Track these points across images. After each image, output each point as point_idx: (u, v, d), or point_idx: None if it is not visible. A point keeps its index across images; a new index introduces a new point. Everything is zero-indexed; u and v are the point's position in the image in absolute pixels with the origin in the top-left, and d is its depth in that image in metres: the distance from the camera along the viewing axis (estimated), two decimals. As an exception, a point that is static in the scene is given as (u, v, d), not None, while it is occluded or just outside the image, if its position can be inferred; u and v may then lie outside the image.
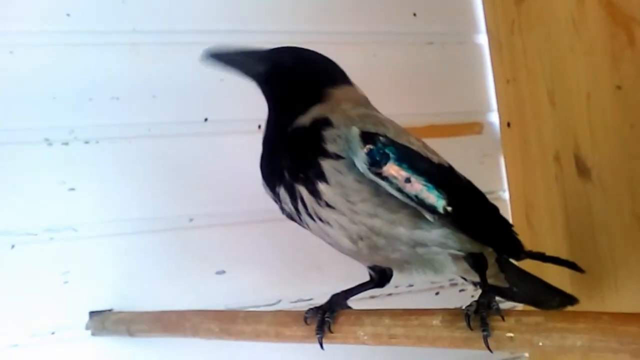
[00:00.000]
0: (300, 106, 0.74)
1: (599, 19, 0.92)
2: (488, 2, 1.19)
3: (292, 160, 0.70)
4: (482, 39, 1.22)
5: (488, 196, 1.17)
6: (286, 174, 0.70)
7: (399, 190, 0.66)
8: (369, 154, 0.66)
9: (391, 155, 0.67)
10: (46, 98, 0.97)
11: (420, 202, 0.67)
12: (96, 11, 1.01)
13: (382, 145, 0.67)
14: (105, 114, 1.00)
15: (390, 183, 0.66)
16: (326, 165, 0.67)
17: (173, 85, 1.03)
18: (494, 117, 1.20)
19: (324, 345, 0.70)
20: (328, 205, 0.68)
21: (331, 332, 0.70)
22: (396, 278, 1.06)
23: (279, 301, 1.04)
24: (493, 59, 1.18)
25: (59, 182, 0.96)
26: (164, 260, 1.00)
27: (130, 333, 0.90)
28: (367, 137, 0.67)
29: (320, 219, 0.69)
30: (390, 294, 1.09)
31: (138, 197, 1.00)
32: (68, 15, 0.99)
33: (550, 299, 0.89)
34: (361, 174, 0.67)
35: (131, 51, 1.02)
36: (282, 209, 0.76)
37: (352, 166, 0.67)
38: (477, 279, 0.77)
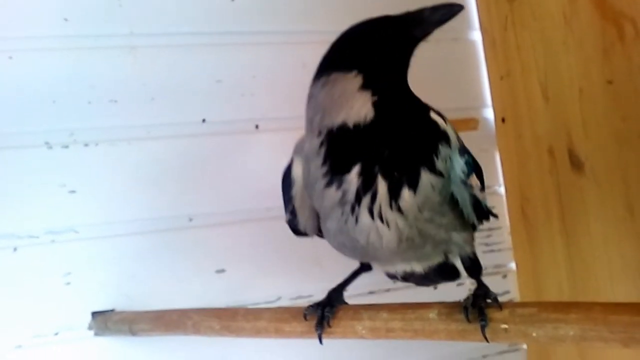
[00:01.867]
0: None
1: (589, 15, 0.93)
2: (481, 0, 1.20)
3: (397, 154, 0.66)
4: (476, 35, 1.23)
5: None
6: (379, 163, 0.66)
7: (474, 197, 0.70)
8: (465, 165, 0.69)
9: (472, 165, 0.70)
10: (46, 102, 0.98)
11: (482, 209, 0.71)
12: (93, 15, 1.02)
13: (469, 156, 0.70)
14: (104, 117, 1.01)
15: (471, 191, 0.69)
16: (425, 178, 0.66)
17: (171, 87, 1.04)
18: (489, 113, 1.22)
19: (324, 341, 0.72)
20: (399, 209, 0.66)
21: (330, 327, 0.71)
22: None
23: (279, 298, 1.06)
24: (487, 55, 1.19)
25: (60, 185, 0.98)
26: (164, 260, 1.01)
27: (133, 332, 0.91)
28: (463, 150, 0.69)
29: (380, 218, 0.67)
30: (388, 290, 1.10)
31: (138, 198, 1.01)
32: (66, 20, 1.00)
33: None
34: (445, 188, 0.68)
35: (129, 54, 1.03)
36: (326, 185, 0.68)
37: (445, 182, 0.67)
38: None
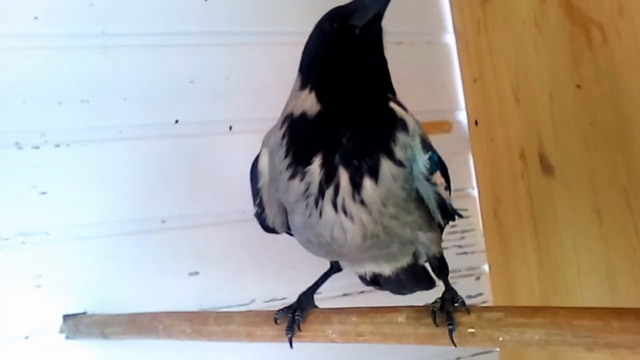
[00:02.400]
0: (389, 82, 0.71)
1: (559, 20, 0.94)
2: (454, 2, 1.20)
3: (356, 143, 0.66)
4: (450, 38, 1.23)
5: (457, 193, 1.20)
6: (339, 153, 0.66)
7: (438, 195, 0.69)
8: (429, 161, 0.68)
9: (438, 163, 0.69)
10: (16, 102, 0.97)
11: (447, 208, 0.71)
12: (64, 14, 1.00)
13: (433, 153, 0.69)
14: (76, 117, 1.00)
15: (436, 189, 0.69)
16: (385, 167, 0.66)
17: (143, 88, 1.04)
18: (462, 116, 1.22)
19: (294, 345, 0.72)
20: (362, 202, 0.66)
21: (300, 331, 0.71)
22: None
23: (253, 301, 1.05)
24: (460, 58, 1.20)
25: (31, 186, 0.96)
26: (137, 262, 1.00)
27: (104, 335, 0.90)
28: (426, 145, 0.69)
29: (344, 212, 0.66)
30: (362, 292, 1.10)
31: (110, 200, 1.00)
32: (36, 18, 0.99)
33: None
34: (408, 182, 0.67)
35: (101, 54, 1.02)
36: (290, 177, 0.68)
37: (407, 175, 0.67)
38: None
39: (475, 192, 1.22)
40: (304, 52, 0.76)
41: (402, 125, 0.68)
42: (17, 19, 0.98)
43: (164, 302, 0.97)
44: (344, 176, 0.66)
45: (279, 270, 1.07)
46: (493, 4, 1.08)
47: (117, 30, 1.03)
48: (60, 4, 1.00)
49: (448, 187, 0.71)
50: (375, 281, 0.86)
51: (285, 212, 0.75)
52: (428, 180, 0.68)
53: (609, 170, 0.89)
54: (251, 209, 1.06)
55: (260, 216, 0.78)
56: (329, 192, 0.66)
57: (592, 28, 0.88)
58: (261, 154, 0.75)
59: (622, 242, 0.89)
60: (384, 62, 0.72)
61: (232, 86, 1.08)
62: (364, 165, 0.65)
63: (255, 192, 0.76)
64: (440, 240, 0.75)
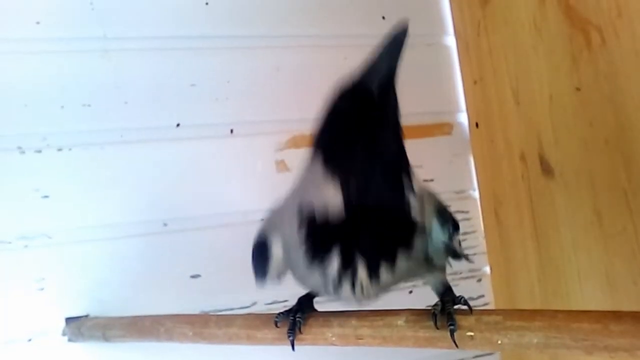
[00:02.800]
0: (406, 160, 0.67)
1: (558, 21, 0.94)
2: (455, 4, 1.20)
3: (375, 240, 0.64)
4: (450, 40, 1.23)
5: (459, 195, 1.22)
6: (358, 251, 0.64)
7: (454, 252, 0.70)
8: (447, 232, 0.68)
9: (454, 226, 0.70)
10: (18, 106, 0.97)
11: (458, 256, 0.72)
12: (66, 18, 1.01)
13: (449, 220, 0.69)
14: (78, 121, 1.00)
15: (451, 247, 0.70)
16: (403, 259, 0.65)
17: (145, 91, 1.04)
18: (463, 118, 1.23)
19: (296, 347, 0.72)
20: (378, 283, 0.65)
21: (301, 333, 0.71)
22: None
23: (254, 303, 1.06)
24: (461, 60, 1.20)
25: (33, 190, 0.97)
26: (139, 265, 1.01)
27: (106, 338, 0.90)
28: (442, 216, 0.68)
29: (362, 291, 0.66)
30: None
31: (112, 203, 1.01)
32: (38, 23, 0.99)
33: None
34: (420, 256, 0.67)
35: (102, 58, 1.03)
36: (308, 267, 0.67)
37: (419, 251, 0.67)
38: None
39: (476, 194, 1.22)
40: (322, 130, 0.67)
41: (421, 212, 0.66)
42: (19, 24, 0.98)
43: (165, 304, 0.98)
44: (361, 269, 0.65)
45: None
46: (493, 6, 1.09)
47: (119, 33, 1.04)
48: (62, 8, 1.01)
49: (458, 239, 0.71)
50: None
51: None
52: (447, 245, 0.69)
53: (608, 172, 0.89)
54: (252, 211, 1.07)
55: (262, 278, 0.76)
56: (347, 281, 0.65)
57: (591, 30, 0.88)
58: (272, 241, 0.72)
59: (621, 243, 0.89)
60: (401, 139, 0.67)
61: (233, 89, 1.09)
62: (382, 262, 0.65)
63: (263, 272, 0.74)
64: (445, 272, 0.75)
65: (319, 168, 0.66)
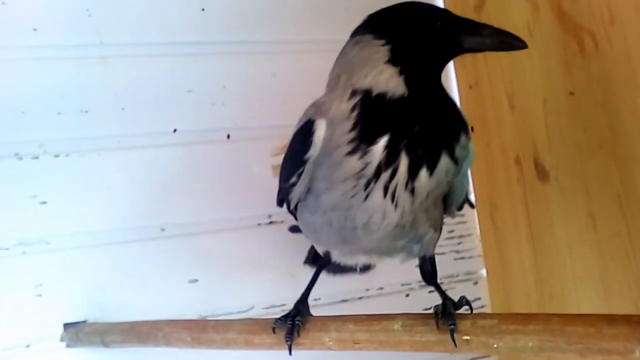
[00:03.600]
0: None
1: (552, 27, 0.95)
2: (450, 9, 1.21)
3: (425, 133, 0.65)
4: (445, 45, 1.24)
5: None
6: (406, 139, 0.65)
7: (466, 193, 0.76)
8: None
9: None
10: (15, 113, 0.98)
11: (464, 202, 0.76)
12: (63, 25, 1.02)
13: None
14: (75, 127, 1.01)
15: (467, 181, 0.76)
16: (443, 162, 0.67)
17: (142, 97, 1.05)
18: (459, 122, 1.23)
19: (292, 352, 0.73)
20: (412, 191, 0.66)
21: (299, 336, 0.72)
22: (366, 282, 1.10)
23: (252, 308, 1.06)
24: (456, 64, 1.21)
25: (30, 196, 0.97)
26: (136, 270, 1.01)
27: (105, 344, 0.91)
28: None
29: (393, 198, 0.66)
30: (361, 297, 1.11)
31: (109, 209, 1.01)
32: (35, 30, 1.00)
33: None
34: (453, 177, 0.70)
35: (99, 64, 1.03)
36: (349, 153, 0.66)
37: (457, 172, 0.69)
38: None
39: (472, 197, 1.22)
40: (389, 18, 0.71)
41: (465, 127, 0.70)
42: (16, 31, 0.99)
43: (163, 309, 0.98)
44: (403, 162, 0.65)
45: (278, 277, 1.08)
46: (487, 11, 1.09)
47: (115, 40, 1.04)
48: (59, 15, 1.01)
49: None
50: (365, 269, 0.89)
51: (307, 191, 0.73)
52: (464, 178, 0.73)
53: (602, 176, 0.90)
54: (249, 217, 1.08)
55: (291, 188, 0.74)
56: (384, 176, 0.66)
57: (584, 36, 0.89)
58: (317, 124, 0.69)
59: (616, 246, 0.89)
60: None
61: (229, 95, 1.09)
62: (426, 158, 0.66)
63: (300, 162, 0.71)
64: (437, 241, 0.77)
65: (377, 52, 0.68)
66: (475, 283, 1.22)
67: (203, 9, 1.10)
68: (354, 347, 0.68)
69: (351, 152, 0.66)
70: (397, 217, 0.68)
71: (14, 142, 0.97)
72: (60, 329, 0.96)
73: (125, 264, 1.01)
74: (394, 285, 1.14)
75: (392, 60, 0.67)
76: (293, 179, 0.72)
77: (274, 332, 0.73)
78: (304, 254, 0.97)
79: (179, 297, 1.03)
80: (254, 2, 1.12)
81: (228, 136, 1.09)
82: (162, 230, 1.04)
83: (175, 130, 1.06)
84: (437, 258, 0.78)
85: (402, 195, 0.66)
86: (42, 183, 0.98)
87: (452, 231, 1.20)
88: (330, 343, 0.70)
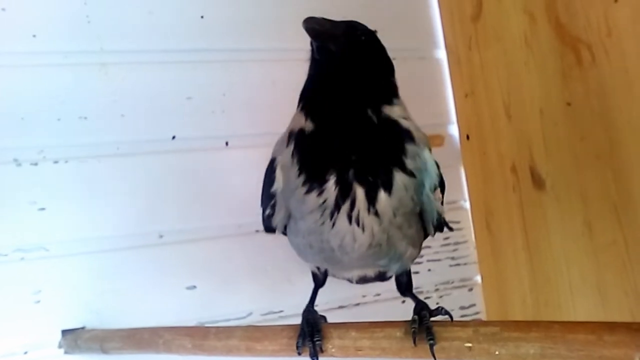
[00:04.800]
0: (382, 92, 0.72)
1: (549, 39, 0.96)
2: (446, 19, 1.23)
3: (366, 160, 0.67)
4: (442, 54, 1.26)
5: (450, 205, 1.23)
6: (352, 170, 0.67)
7: (437, 211, 0.73)
8: (439, 178, 0.72)
9: (441, 178, 0.73)
10: (14, 118, 0.98)
11: (441, 222, 0.75)
12: (62, 32, 1.02)
13: (438, 169, 0.73)
14: (74, 134, 1.01)
15: (437, 203, 0.73)
16: (398, 178, 0.68)
17: (141, 104, 1.05)
18: (454, 130, 1.25)
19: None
20: (376, 213, 0.68)
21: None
22: (363, 288, 1.11)
23: (250, 314, 1.07)
24: (452, 73, 1.22)
25: (29, 202, 0.97)
26: (135, 277, 1.01)
27: (104, 350, 0.91)
28: (435, 162, 0.72)
29: (358, 223, 0.69)
30: (357, 304, 1.12)
31: (108, 215, 1.01)
32: (34, 36, 1.00)
33: None
34: (416, 193, 0.70)
35: (99, 71, 1.03)
36: (306, 192, 0.69)
37: (418, 185, 0.70)
38: None
39: (467, 205, 1.24)
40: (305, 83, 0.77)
41: (408, 135, 0.70)
42: (16, 37, 0.99)
43: (161, 315, 0.99)
44: (359, 192, 0.68)
45: (276, 284, 1.08)
46: (484, 22, 1.11)
47: (115, 47, 1.04)
48: (59, 21, 1.01)
49: (442, 202, 0.75)
50: (362, 280, 0.88)
51: (288, 216, 0.76)
52: (433, 192, 0.72)
53: (599, 185, 0.91)
54: (247, 223, 1.08)
55: (270, 218, 0.78)
56: (345, 206, 0.68)
57: (582, 48, 0.91)
58: (277, 163, 0.75)
59: (612, 255, 0.91)
60: (376, 72, 0.74)
61: (228, 102, 1.10)
62: (378, 180, 0.68)
63: (270, 195, 0.77)
64: (415, 257, 0.78)
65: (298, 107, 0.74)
66: (470, 290, 1.23)
67: (202, 17, 1.10)
68: (357, 354, 0.69)
69: (308, 192, 0.69)
70: (368, 239, 0.70)
71: (13, 148, 0.97)
72: (59, 336, 0.96)
73: (124, 270, 1.01)
74: (390, 291, 1.13)
75: (298, 103, 0.74)
76: (268, 210, 0.78)
77: (298, 354, 0.72)
78: (301, 261, 0.97)
79: (177, 304, 1.03)
80: (253, 9, 1.13)
81: (227, 143, 1.10)
82: (161, 236, 1.04)
83: (174, 137, 1.07)
84: (432, 264, 0.80)
85: (367, 219, 0.69)
86: (41, 189, 0.98)
87: (447, 238, 1.21)
88: (333, 350, 0.70)
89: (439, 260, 1.19)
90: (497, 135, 1.11)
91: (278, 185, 0.75)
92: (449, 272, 1.21)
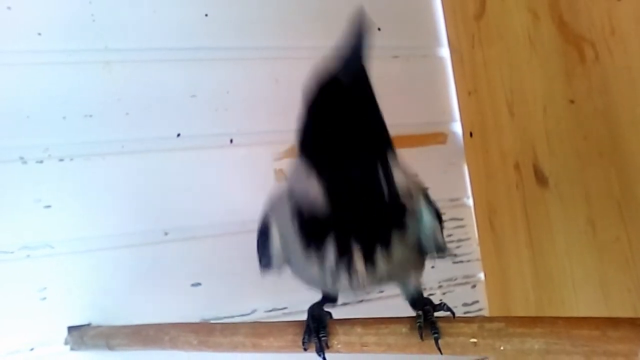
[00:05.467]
0: (387, 147, 0.66)
1: (552, 37, 0.97)
2: (449, 17, 1.23)
3: (367, 227, 0.65)
4: (445, 52, 1.26)
5: (453, 202, 1.24)
6: (352, 239, 0.65)
7: (436, 242, 0.72)
8: (433, 218, 0.71)
9: (437, 214, 0.72)
10: (20, 117, 0.98)
11: (441, 249, 0.74)
12: (67, 30, 1.02)
13: (432, 206, 0.71)
14: (79, 132, 1.01)
15: (435, 237, 0.72)
16: (397, 242, 0.66)
17: (146, 102, 1.05)
18: (457, 127, 1.25)
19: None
20: (374, 266, 0.66)
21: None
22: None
23: (254, 311, 1.07)
24: (455, 71, 1.23)
25: (35, 200, 0.98)
26: (140, 274, 1.02)
27: (110, 347, 0.91)
28: (429, 201, 0.71)
29: (360, 285, 0.67)
30: (361, 301, 1.12)
31: (113, 213, 1.02)
32: (39, 34, 1.00)
33: None
34: (414, 239, 0.69)
35: (103, 69, 1.04)
36: (305, 259, 0.67)
37: (415, 236, 0.69)
38: None
39: (470, 202, 1.24)
40: (301, 126, 0.67)
41: (409, 196, 0.67)
42: (21, 35, 0.99)
43: (166, 312, 0.98)
44: (359, 262, 0.66)
45: (279, 281, 1.07)
46: (487, 20, 1.11)
47: (120, 45, 1.05)
48: (63, 20, 1.02)
49: (442, 229, 0.73)
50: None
51: (287, 261, 0.75)
52: (436, 231, 0.71)
53: (602, 182, 0.91)
54: (251, 220, 1.08)
55: (266, 267, 0.77)
56: (344, 271, 0.66)
57: (585, 46, 0.91)
58: (272, 228, 0.73)
59: (615, 252, 0.91)
60: (379, 122, 0.66)
61: (232, 100, 1.10)
62: (378, 248, 0.66)
63: (267, 255, 0.75)
64: (421, 276, 0.77)
65: (301, 162, 0.66)
66: (474, 286, 1.23)
67: (206, 15, 1.11)
68: (362, 350, 0.69)
69: (307, 258, 0.67)
70: (371, 282, 0.68)
71: (18, 146, 0.98)
72: (65, 332, 0.96)
73: (129, 267, 1.02)
74: (393, 288, 1.15)
75: (306, 164, 0.66)
76: (264, 261, 0.76)
77: (305, 350, 0.72)
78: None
79: (182, 301, 1.03)
80: (257, 8, 1.13)
81: (231, 141, 1.10)
82: (166, 234, 1.05)
83: (178, 135, 1.07)
84: (435, 261, 0.79)
85: (367, 278, 0.67)
86: (46, 187, 0.98)
87: (450, 235, 1.21)
88: (339, 346, 0.71)
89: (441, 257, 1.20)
90: (500, 132, 1.11)
91: (275, 246, 0.73)
92: (452, 269, 1.22)
